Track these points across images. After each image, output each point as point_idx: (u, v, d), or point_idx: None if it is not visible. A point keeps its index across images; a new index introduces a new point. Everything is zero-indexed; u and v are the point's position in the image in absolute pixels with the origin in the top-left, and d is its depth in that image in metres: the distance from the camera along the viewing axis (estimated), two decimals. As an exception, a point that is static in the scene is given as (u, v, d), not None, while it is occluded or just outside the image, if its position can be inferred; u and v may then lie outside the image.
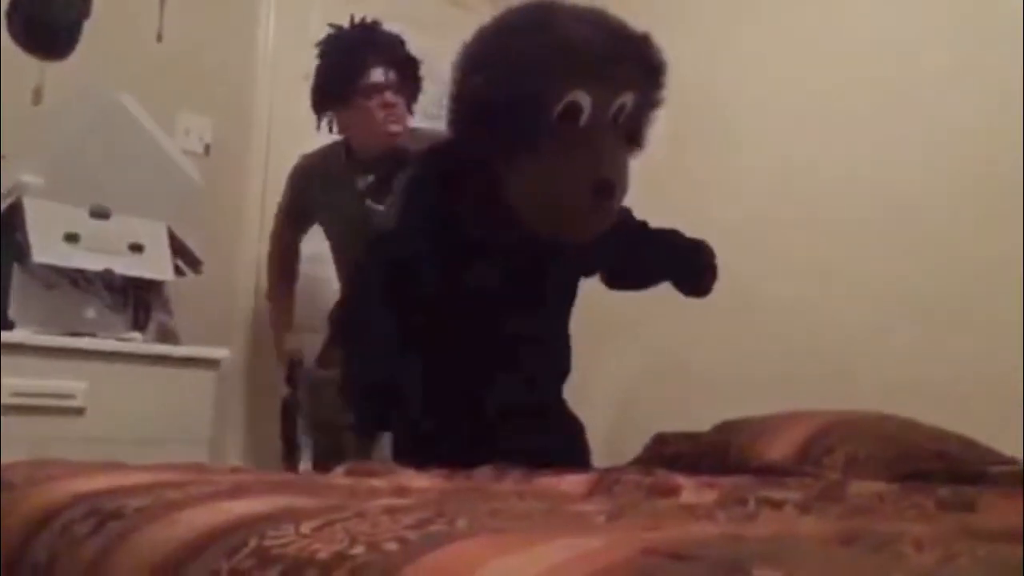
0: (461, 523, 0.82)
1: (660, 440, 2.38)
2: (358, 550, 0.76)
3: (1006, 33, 2.32)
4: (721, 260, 2.22)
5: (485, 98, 1.86)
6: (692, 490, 1.50)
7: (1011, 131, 2.27)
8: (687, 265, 2.19)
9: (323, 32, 2.89)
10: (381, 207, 2.63)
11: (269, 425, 3.01)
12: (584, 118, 1.84)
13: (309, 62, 3.18)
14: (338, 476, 1.59)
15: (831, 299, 2.55)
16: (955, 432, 2.11)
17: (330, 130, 2.70)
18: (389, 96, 2.56)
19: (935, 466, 1.88)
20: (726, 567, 0.61)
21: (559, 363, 2.20)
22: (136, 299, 2.57)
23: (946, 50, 2.45)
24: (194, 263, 2.72)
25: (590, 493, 1.51)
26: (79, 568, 0.92)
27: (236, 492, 1.06)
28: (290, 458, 2.65)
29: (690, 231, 2.23)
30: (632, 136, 1.98)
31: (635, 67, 1.90)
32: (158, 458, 2.12)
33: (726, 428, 2.27)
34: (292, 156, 3.14)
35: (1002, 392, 2.14)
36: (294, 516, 0.90)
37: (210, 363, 2.53)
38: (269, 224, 3.09)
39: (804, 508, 1.29)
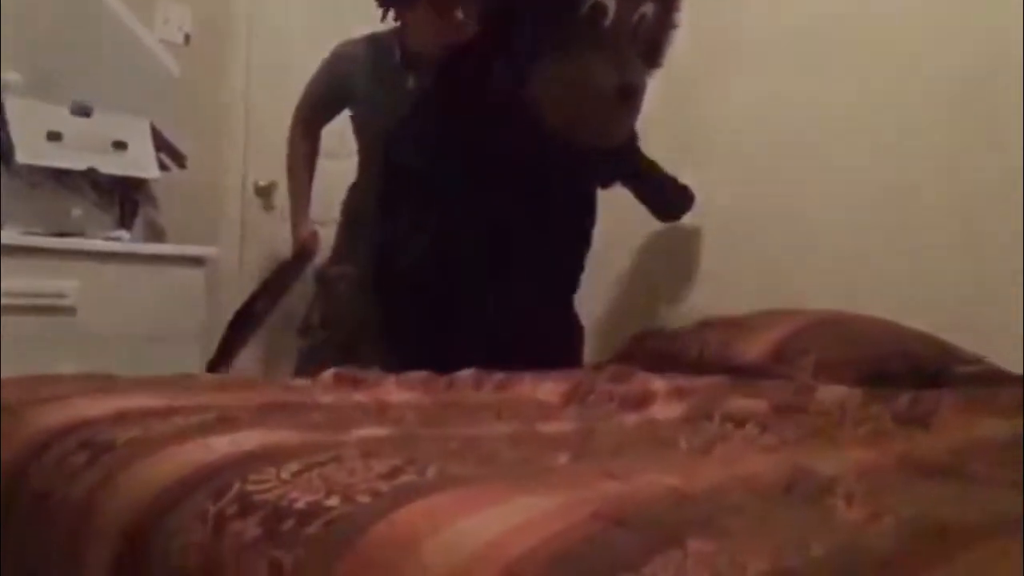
0: (431, 472, 0.88)
1: (641, 337, 2.46)
2: (333, 501, 0.82)
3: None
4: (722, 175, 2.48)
5: None
6: (663, 402, 1.57)
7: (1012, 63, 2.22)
8: (672, 208, 2.45)
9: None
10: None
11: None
12: (608, 20, 1.87)
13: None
14: (323, 386, 1.66)
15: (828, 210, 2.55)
16: (921, 331, 2.18)
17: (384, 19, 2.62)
18: (459, 16, 2.46)
19: (900, 366, 1.96)
20: (664, 537, 0.67)
21: (570, 273, 2.25)
22: (122, 197, 2.59)
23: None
24: (178, 158, 2.72)
25: (565, 403, 1.59)
26: (74, 504, 0.99)
27: (221, 425, 1.12)
28: (221, 364, 2.60)
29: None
30: (650, 50, 2.01)
31: None
32: (150, 357, 2.21)
33: (705, 325, 2.34)
34: (274, 45, 3.10)
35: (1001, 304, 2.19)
36: (276, 457, 0.95)
37: (198, 261, 2.57)
38: (254, 116, 3.08)
39: (764, 426, 1.36)
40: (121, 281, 2.42)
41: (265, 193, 3.12)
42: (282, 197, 3.14)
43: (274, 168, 3.10)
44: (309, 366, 2.33)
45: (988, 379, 2.11)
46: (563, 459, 1.00)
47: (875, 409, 1.53)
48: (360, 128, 2.74)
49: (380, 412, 1.35)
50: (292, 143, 2.78)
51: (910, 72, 2.40)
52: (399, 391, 1.58)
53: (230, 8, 3.02)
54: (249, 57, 3.06)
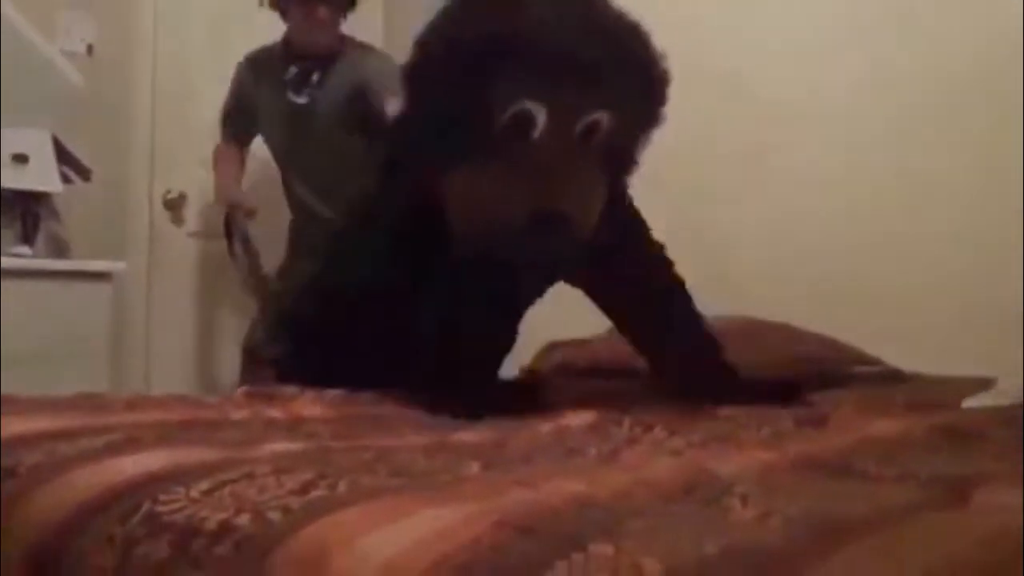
0: (342, 486, 0.89)
1: (552, 347, 2.50)
2: (243, 520, 0.83)
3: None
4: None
5: (424, 89, 1.59)
6: (575, 409, 1.61)
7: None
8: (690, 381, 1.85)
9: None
10: (301, 99, 2.71)
11: (170, 337, 3.04)
12: (537, 132, 1.51)
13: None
14: (236, 403, 1.65)
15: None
16: (822, 335, 2.27)
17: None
18: (322, 12, 2.66)
19: (802, 369, 2.04)
20: (567, 542, 0.70)
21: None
22: (24, 211, 2.52)
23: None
24: (83, 171, 2.67)
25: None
26: (-24, 531, 0.97)
27: (129, 445, 1.11)
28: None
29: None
30: (613, 159, 1.64)
31: (619, 78, 1.54)
32: (56, 375, 2.16)
33: (615, 333, 2.39)
34: (180, 55, 3.06)
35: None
36: (185, 476, 0.95)
37: (104, 276, 2.52)
38: (160, 127, 3.03)
39: (672, 430, 1.40)
40: (24, 298, 2.36)
41: (174, 206, 3.08)
42: (191, 209, 3.11)
43: (182, 180, 3.07)
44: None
45: (885, 379, 2.22)
46: (475, 468, 1.02)
47: (778, 413, 1.59)
48: (267, 140, 2.82)
49: (293, 427, 1.35)
50: (215, 156, 2.91)
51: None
52: (314, 406, 1.58)
53: (135, 18, 2.97)
54: (155, 68, 3.02)
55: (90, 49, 2.86)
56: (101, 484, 0.97)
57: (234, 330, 2.93)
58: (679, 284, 1.86)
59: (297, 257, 2.75)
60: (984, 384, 2.03)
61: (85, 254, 2.67)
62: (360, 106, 2.59)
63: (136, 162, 3.00)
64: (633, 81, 1.56)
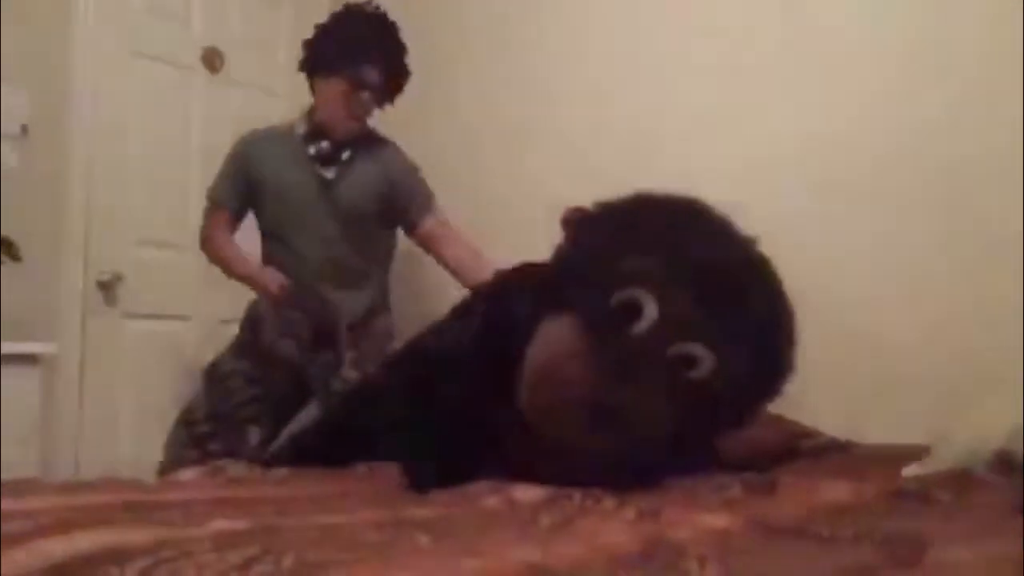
0: (287, 560, 0.85)
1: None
2: (182, 599, 0.79)
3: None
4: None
5: (575, 238, 1.65)
6: (523, 487, 1.58)
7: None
8: None
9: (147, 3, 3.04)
10: (329, 173, 2.68)
11: (103, 421, 2.94)
12: (642, 329, 1.50)
13: (133, 36, 3.07)
14: (177, 484, 1.59)
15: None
16: (769, 413, 2.25)
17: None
18: (365, 97, 2.65)
19: (747, 451, 2.02)
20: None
21: None
22: (-52, 294, 2.44)
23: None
24: (12, 251, 2.60)
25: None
26: None
27: (60, 527, 1.05)
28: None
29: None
30: (712, 412, 1.58)
31: (739, 332, 1.53)
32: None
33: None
34: (115, 132, 3.03)
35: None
36: (119, 557, 0.91)
37: (32, 359, 2.44)
38: (95, 207, 2.98)
39: (622, 500, 1.38)
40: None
41: (108, 287, 3.01)
42: (126, 290, 3.04)
43: (117, 260, 3.01)
44: (185, 458, 2.30)
45: (826, 450, 2.23)
46: (425, 540, 0.99)
47: (724, 480, 1.59)
48: (265, 213, 2.76)
49: (238, 506, 1.30)
50: (210, 237, 2.79)
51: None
52: (264, 486, 1.53)
53: (69, 96, 2.94)
54: (91, 146, 2.98)
55: (24, 129, 2.81)
56: (27, 569, 0.92)
57: (167, 412, 2.85)
58: None
59: (254, 335, 2.64)
60: (920, 452, 2.05)
61: (14, 335, 2.58)
62: (388, 202, 2.72)
63: (69, 242, 2.93)
64: (752, 342, 1.53)
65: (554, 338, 1.52)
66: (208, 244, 2.79)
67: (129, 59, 3.08)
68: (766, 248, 1.68)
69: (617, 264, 1.54)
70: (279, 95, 3.38)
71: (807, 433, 2.30)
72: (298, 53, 2.75)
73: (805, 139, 2.57)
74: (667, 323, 1.48)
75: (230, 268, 2.75)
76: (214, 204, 2.77)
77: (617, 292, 1.50)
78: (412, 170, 2.77)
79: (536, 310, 1.59)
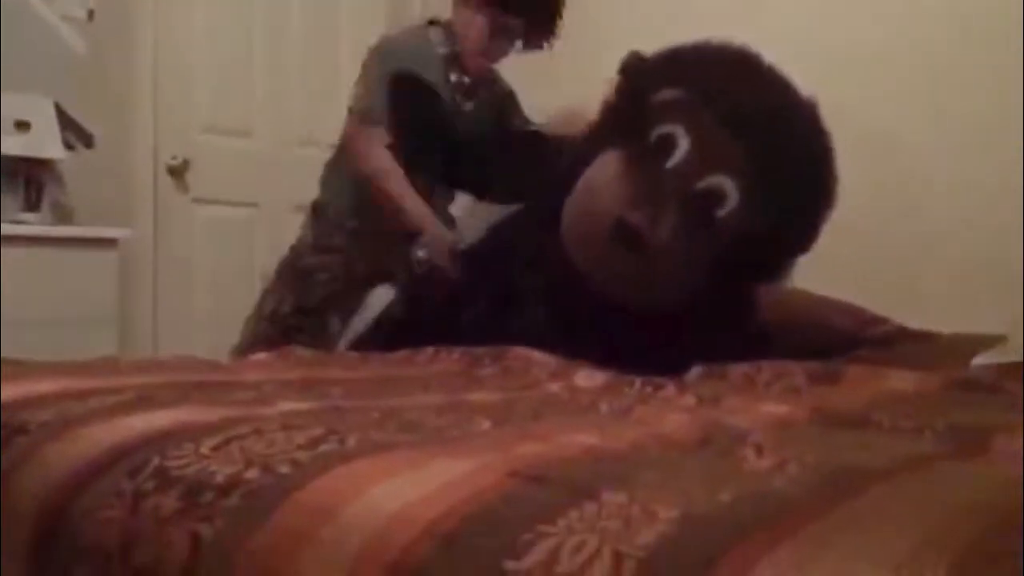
0: (351, 440, 0.89)
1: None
2: (252, 473, 0.83)
3: None
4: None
5: (625, 85, 1.81)
6: (586, 370, 1.60)
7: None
8: None
9: None
10: (468, 106, 2.52)
11: (177, 303, 3.04)
12: (675, 161, 1.62)
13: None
14: (249, 365, 1.65)
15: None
16: (834, 299, 2.25)
17: None
18: (504, 42, 2.45)
19: (815, 335, 2.02)
20: (580, 491, 0.70)
21: None
22: (27, 179, 2.52)
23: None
24: (85, 138, 2.66)
25: (494, 376, 1.60)
26: (-14, 487, 0.97)
27: (139, 404, 1.11)
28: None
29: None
30: (744, 255, 1.66)
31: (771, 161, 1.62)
32: (64, 341, 2.16)
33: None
34: (181, 18, 3.03)
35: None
36: (194, 433, 0.95)
37: (110, 242, 2.52)
38: (163, 93, 3.01)
39: (683, 388, 1.40)
40: (30, 265, 2.36)
41: (178, 172, 3.06)
42: (195, 176, 3.09)
43: (185, 146, 3.06)
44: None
45: (895, 338, 2.20)
46: (485, 425, 1.02)
47: (788, 367, 1.58)
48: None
49: (305, 388, 1.35)
50: (372, 162, 2.35)
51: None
52: (332, 368, 1.58)
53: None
54: (157, 32, 2.99)
55: (91, 14, 2.83)
56: (110, 440, 0.97)
57: (238, 296, 2.92)
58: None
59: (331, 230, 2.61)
60: (994, 341, 2.01)
61: (90, 220, 2.66)
62: (505, 120, 2.60)
63: (139, 128, 2.97)
64: (787, 183, 1.58)
65: (596, 172, 1.69)
66: (372, 170, 2.35)
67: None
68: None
69: (655, 99, 1.65)
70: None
71: (876, 320, 2.28)
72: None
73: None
74: (698, 156, 1.57)
75: (399, 205, 2.33)
76: (369, 121, 2.35)
77: (655, 128, 1.61)
78: (512, 92, 2.65)
79: (586, 153, 1.73)
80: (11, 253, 2.33)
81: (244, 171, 3.21)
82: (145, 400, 1.14)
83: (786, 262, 1.78)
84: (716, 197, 1.58)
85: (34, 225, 2.46)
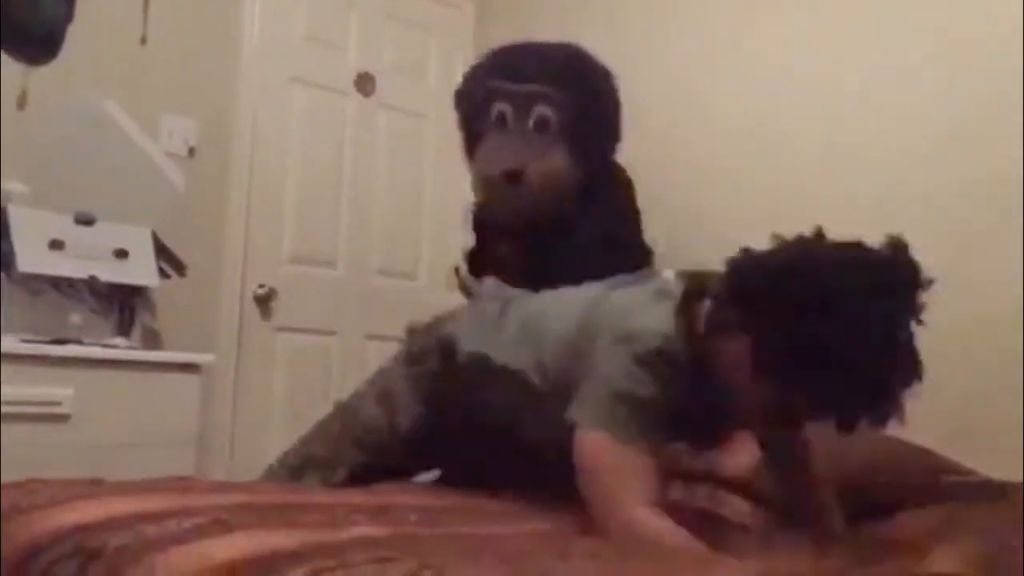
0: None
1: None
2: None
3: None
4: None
5: (458, 108, 2.62)
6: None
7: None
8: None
9: (307, 32, 3.13)
10: None
11: (254, 429, 3.04)
12: (508, 122, 2.43)
13: (293, 63, 3.19)
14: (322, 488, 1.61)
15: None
16: (912, 444, 2.02)
17: None
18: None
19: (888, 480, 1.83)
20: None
21: None
22: (121, 304, 2.57)
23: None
24: (178, 267, 2.72)
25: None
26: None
27: (216, 528, 1.07)
28: None
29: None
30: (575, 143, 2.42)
31: (561, 88, 2.40)
32: (144, 463, 2.15)
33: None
34: (274, 157, 3.15)
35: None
36: (278, 562, 0.91)
37: (193, 368, 2.54)
38: (253, 225, 3.09)
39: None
40: (116, 388, 2.38)
41: (263, 301, 3.11)
42: (279, 304, 3.13)
43: (272, 276, 3.12)
44: None
45: (981, 491, 1.93)
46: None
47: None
48: None
49: (377, 512, 1.30)
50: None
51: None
52: (402, 494, 1.53)
53: (233, 121, 3.07)
54: (252, 169, 3.10)
55: (192, 151, 2.95)
56: (189, 569, 0.93)
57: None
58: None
59: None
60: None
61: (176, 345, 2.70)
62: None
63: (229, 258, 3.05)
64: (577, 87, 2.42)
65: (472, 165, 2.60)
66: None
67: (288, 85, 3.20)
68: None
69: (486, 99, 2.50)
70: (428, 117, 3.45)
71: (952, 468, 2.03)
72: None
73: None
74: (519, 113, 2.45)
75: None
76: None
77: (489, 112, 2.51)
78: None
79: None
80: (100, 376, 2.36)
81: (325, 300, 3.26)
82: (221, 524, 1.11)
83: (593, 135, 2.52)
84: (543, 123, 2.46)
85: (124, 349, 2.49)
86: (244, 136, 3.08)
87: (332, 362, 3.26)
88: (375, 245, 3.36)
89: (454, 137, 2.72)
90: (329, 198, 3.28)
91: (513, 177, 2.40)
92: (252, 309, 3.10)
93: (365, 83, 3.36)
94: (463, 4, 3.63)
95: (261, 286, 3.10)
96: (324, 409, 3.00)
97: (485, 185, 2.49)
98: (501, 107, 2.44)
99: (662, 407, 1.37)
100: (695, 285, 1.48)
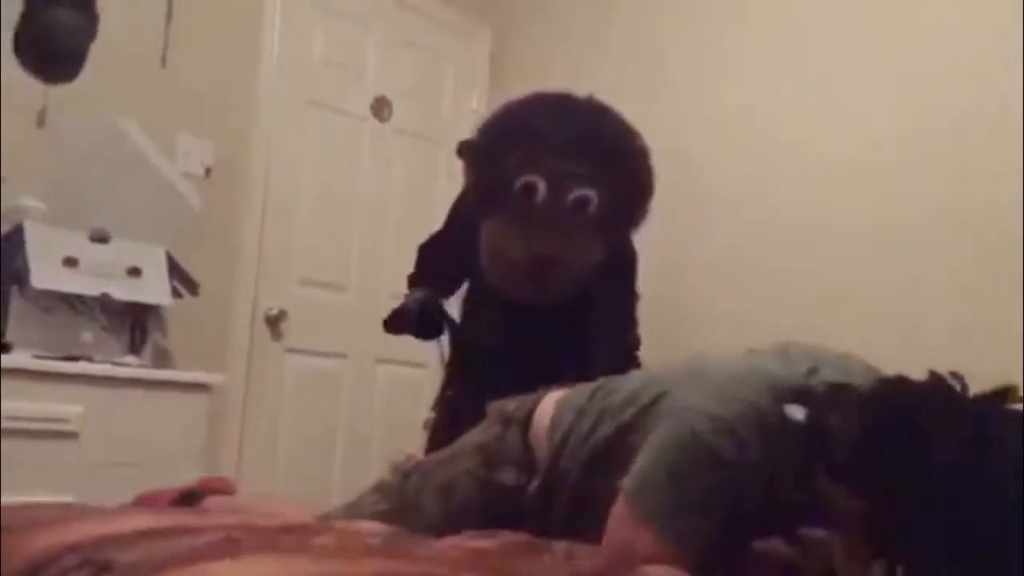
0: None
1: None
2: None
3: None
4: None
5: (473, 162, 2.26)
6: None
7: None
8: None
9: (325, 56, 3.14)
10: None
11: (262, 449, 3.03)
12: (539, 198, 2.08)
13: (310, 86, 3.21)
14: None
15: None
16: None
17: None
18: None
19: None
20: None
21: None
22: (133, 322, 2.58)
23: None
24: (191, 286, 2.72)
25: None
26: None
27: (225, 548, 1.06)
28: None
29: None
30: (603, 224, 2.16)
31: (608, 166, 2.13)
32: (151, 483, 2.14)
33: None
34: (291, 176, 3.16)
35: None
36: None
37: (204, 387, 2.53)
38: (266, 247, 3.10)
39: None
40: (126, 406, 2.38)
41: (274, 322, 3.11)
42: (289, 326, 3.13)
43: (283, 297, 3.12)
44: None
45: None
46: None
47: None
48: None
49: (391, 541, 1.28)
50: None
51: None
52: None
53: (249, 142, 3.08)
54: (267, 191, 3.11)
55: (208, 172, 2.97)
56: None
57: (324, 440, 2.89)
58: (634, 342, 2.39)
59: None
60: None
61: (186, 364, 2.69)
62: None
63: (242, 279, 3.06)
64: (619, 168, 2.15)
65: (489, 234, 2.22)
66: None
67: (304, 107, 3.21)
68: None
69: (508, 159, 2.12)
70: (443, 144, 3.47)
71: None
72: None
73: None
74: (555, 188, 2.08)
75: None
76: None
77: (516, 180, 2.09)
78: None
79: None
80: (109, 393, 2.35)
81: (336, 323, 3.26)
82: (232, 543, 1.10)
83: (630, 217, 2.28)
84: (583, 203, 2.12)
85: (135, 368, 2.49)
86: (260, 158, 3.10)
87: (342, 385, 3.26)
88: (387, 269, 3.35)
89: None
90: (342, 221, 3.29)
91: (548, 265, 2.15)
92: (263, 330, 3.10)
93: (381, 107, 3.38)
94: (479, 31, 3.66)
95: (271, 308, 3.10)
96: (332, 432, 3.01)
97: (510, 266, 2.20)
98: (532, 179, 2.08)
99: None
100: (835, 399, 1.17)
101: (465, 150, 2.28)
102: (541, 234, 2.12)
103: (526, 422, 1.48)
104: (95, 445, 2.29)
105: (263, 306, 3.09)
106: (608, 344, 2.29)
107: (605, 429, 1.36)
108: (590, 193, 2.09)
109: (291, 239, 3.17)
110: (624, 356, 2.30)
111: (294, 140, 3.19)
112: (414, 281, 2.50)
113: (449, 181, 3.45)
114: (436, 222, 2.60)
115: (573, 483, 1.38)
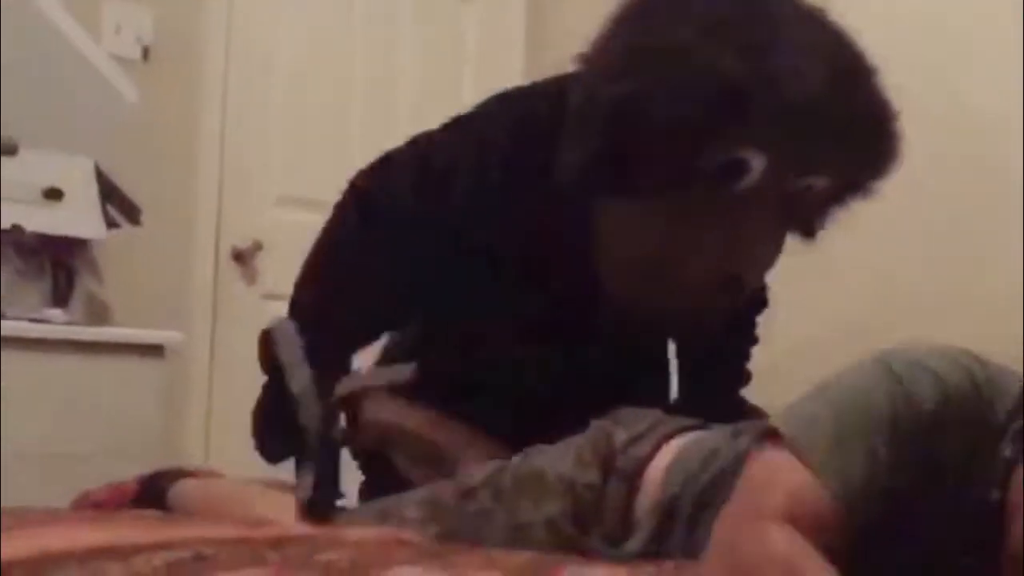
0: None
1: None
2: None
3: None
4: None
5: (620, 102, 1.63)
6: None
7: None
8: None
9: None
10: None
11: (235, 424, 3.05)
12: (747, 182, 1.65)
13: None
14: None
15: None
16: None
17: None
18: None
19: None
20: None
21: None
22: (55, 264, 2.59)
23: None
24: (131, 212, 2.72)
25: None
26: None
27: (199, 566, 1.07)
28: None
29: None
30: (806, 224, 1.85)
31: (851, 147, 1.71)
32: (89, 479, 2.17)
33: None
34: (260, 63, 3.13)
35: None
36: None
37: (156, 350, 2.55)
38: (231, 156, 3.09)
39: None
40: (51, 377, 2.40)
41: (245, 258, 3.12)
42: (265, 262, 3.14)
43: (256, 225, 3.12)
44: None
45: None
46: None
47: None
48: None
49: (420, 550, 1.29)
50: None
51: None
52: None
53: (202, 14, 3.05)
54: (226, 78, 3.09)
55: (146, 53, 2.95)
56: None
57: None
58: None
59: None
60: None
61: (131, 320, 2.71)
62: None
63: (200, 200, 3.06)
64: (862, 148, 1.71)
65: (640, 232, 1.76)
66: None
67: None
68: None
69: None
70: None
71: None
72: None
73: None
74: (776, 173, 1.64)
75: None
76: None
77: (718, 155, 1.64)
78: None
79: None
80: (28, 360, 2.37)
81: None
82: (204, 561, 1.10)
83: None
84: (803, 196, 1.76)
85: (60, 325, 2.51)
86: (216, 31, 3.08)
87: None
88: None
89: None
90: (331, 117, 3.29)
91: (733, 284, 1.86)
92: (231, 270, 3.11)
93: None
94: None
95: (240, 240, 3.11)
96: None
97: (682, 286, 1.83)
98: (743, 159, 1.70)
99: None
100: None
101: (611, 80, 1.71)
102: (747, 244, 1.78)
103: (633, 479, 1.49)
104: (12, 430, 2.31)
105: (229, 237, 3.10)
106: (728, 395, 2.14)
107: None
108: (819, 182, 1.76)
109: (263, 144, 3.16)
110: (737, 412, 2.14)
111: (262, 13, 3.16)
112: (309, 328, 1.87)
113: (478, 49, 3.41)
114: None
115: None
